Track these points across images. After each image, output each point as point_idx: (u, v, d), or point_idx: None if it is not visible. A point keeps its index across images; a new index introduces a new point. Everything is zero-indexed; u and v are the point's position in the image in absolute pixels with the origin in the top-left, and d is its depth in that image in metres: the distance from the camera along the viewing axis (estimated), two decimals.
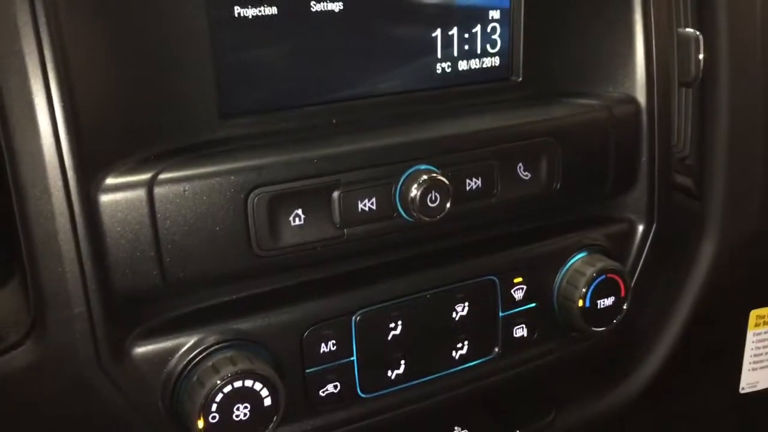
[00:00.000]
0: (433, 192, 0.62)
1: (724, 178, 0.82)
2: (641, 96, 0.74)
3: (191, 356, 0.58)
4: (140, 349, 0.57)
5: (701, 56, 0.78)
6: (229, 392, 0.56)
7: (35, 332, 0.54)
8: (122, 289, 0.55)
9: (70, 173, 0.51)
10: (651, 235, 0.78)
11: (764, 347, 0.99)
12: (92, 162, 0.53)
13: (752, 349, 0.99)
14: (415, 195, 0.61)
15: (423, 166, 0.63)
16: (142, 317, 0.58)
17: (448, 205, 0.63)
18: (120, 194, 0.54)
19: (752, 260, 0.91)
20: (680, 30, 0.79)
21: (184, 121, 0.58)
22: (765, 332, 0.98)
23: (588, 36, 0.74)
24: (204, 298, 0.60)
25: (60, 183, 0.51)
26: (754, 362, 1.00)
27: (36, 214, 0.51)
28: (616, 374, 0.88)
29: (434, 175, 0.62)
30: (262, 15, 0.60)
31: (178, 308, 0.59)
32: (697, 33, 0.78)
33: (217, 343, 0.59)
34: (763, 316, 0.98)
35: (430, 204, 0.62)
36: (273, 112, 0.63)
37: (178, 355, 0.58)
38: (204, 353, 0.58)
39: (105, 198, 0.53)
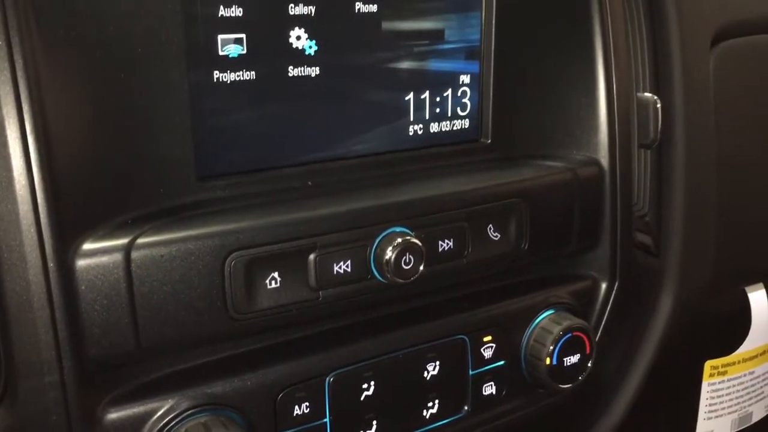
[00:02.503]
0: (407, 254, 0.63)
1: (681, 234, 0.85)
2: (604, 158, 0.77)
3: (164, 422, 0.57)
4: (112, 416, 0.56)
5: (659, 119, 0.82)
6: None
7: (6, 400, 0.52)
8: (96, 356, 0.54)
9: (47, 240, 0.50)
10: (614, 291, 0.81)
11: (718, 397, 1.02)
12: (70, 227, 0.52)
13: (707, 399, 1.01)
14: (390, 257, 0.62)
15: (397, 229, 0.64)
16: (114, 383, 0.57)
17: (421, 267, 0.64)
18: (97, 259, 0.53)
19: (706, 313, 0.94)
20: (639, 94, 0.83)
21: (162, 184, 0.58)
22: (719, 382, 1.01)
23: (553, 100, 0.77)
24: (177, 362, 0.60)
25: (37, 250, 0.50)
26: (709, 411, 1.02)
27: (11, 282, 0.50)
28: (579, 428, 0.90)
29: (408, 237, 0.63)
30: (240, 80, 0.61)
31: (150, 373, 0.59)
32: (655, 97, 0.82)
33: (190, 408, 0.58)
34: (717, 367, 1.01)
35: (404, 266, 0.63)
36: (250, 174, 0.63)
37: (150, 422, 0.57)
38: (177, 419, 0.57)
39: (81, 263, 0.52)
